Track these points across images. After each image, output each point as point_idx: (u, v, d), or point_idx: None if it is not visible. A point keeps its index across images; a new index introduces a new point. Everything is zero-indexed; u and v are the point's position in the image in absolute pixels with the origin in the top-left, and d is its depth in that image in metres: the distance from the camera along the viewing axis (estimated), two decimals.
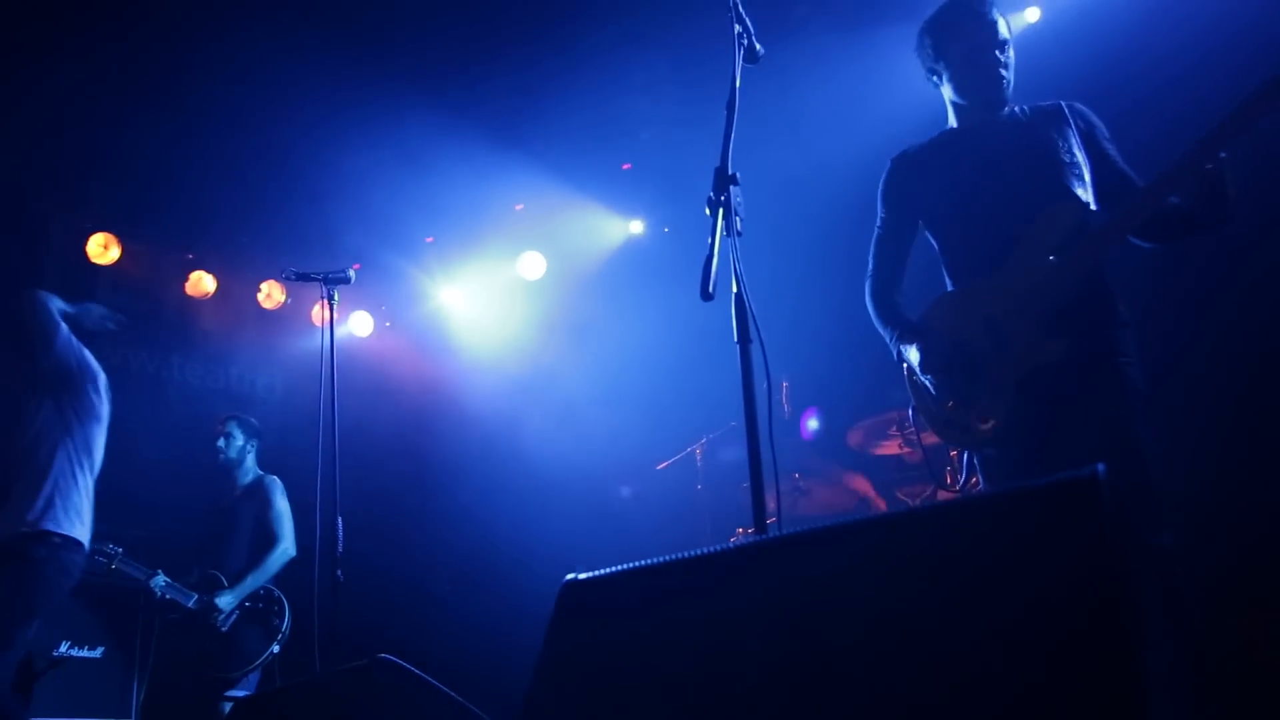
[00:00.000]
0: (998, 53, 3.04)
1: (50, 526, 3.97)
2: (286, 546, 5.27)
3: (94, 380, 4.27)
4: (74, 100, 5.76)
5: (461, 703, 2.73)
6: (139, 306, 7.04)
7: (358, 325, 7.24)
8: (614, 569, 1.87)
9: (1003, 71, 3.04)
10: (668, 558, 1.85)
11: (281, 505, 5.37)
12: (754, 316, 2.43)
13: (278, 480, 5.46)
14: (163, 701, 5.61)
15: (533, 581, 5.62)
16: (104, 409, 4.31)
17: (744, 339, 2.43)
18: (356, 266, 4.60)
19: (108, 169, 6.42)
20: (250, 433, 5.57)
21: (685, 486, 5.68)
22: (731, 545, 1.83)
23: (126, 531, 5.48)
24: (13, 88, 5.59)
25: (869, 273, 3.24)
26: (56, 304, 4.21)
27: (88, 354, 4.28)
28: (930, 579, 1.54)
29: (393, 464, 6.35)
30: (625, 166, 6.70)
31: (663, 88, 5.92)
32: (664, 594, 1.79)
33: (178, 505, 5.81)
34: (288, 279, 4.43)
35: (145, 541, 5.55)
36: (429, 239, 7.11)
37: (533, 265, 7.04)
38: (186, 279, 7.02)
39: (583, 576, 1.89)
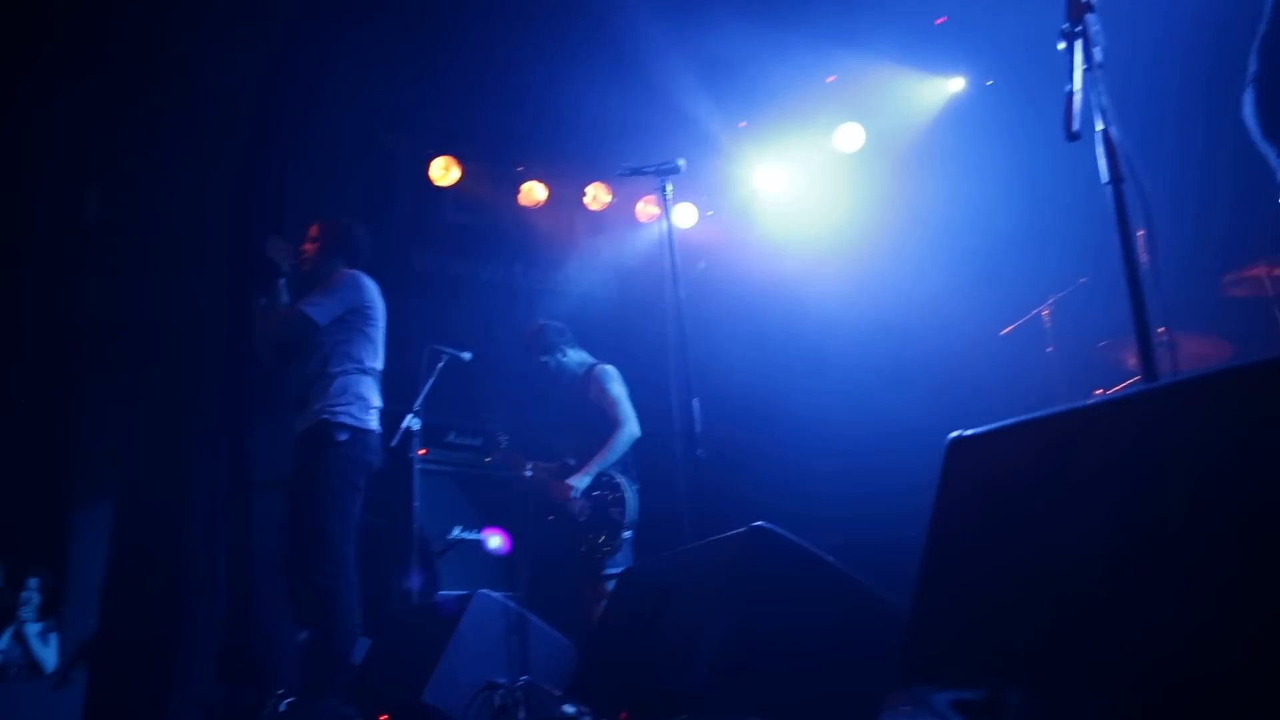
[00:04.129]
0: None
1: (345, 412, 4.50)
2: (630, 429, 5.50)
3: (356, 291, 4.70)
4: (404, 32, 6.20)
5: (838, 565, 2.81)
6: (481, 221, 7.56)
7: (681, 217, 7.40)
8: (1001, 423, 1.83)
9: None
10: (1057, 409, 1.79)
11: (616, 390, 5.58)
12: (1126, 154, 2.26)
13: (609, 369, 5.66)
14: (545, 577, 6.18)
15: (881, 451, 5.65)
16: (374, 306, 4.73)
17: (1116, 178, 2.27)
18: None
19: (440, 93, 6.84)
20: (553, 341, 5.79)
21: (1034, 350, 5.44)
22: (1127, 392, 1.74)
23: (499, 428, 6.04)
24: (354, 34, 6.09)
25: (1251, 77, 2.69)
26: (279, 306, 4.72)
27: (338, 295, 4.66)
28: None
29: (736, 347, 6.47)
30: (939, 21, 6.34)
31: None
32: (1058, 445, 1.73)
33: (532, 402, 6.23)
34: (621, 175, 4.60)
35: (513, 437, 6.08)
36: (742, 123, 7.09)
37: (851, 137, 6.87)
38: (519, 190, 7.43)
39: (969, 433, 1.87)
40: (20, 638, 6.34)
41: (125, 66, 5.92)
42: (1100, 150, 2.28)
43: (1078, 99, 2.24)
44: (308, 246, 4.90)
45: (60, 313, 6.41)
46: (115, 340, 6.31)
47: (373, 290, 4.78)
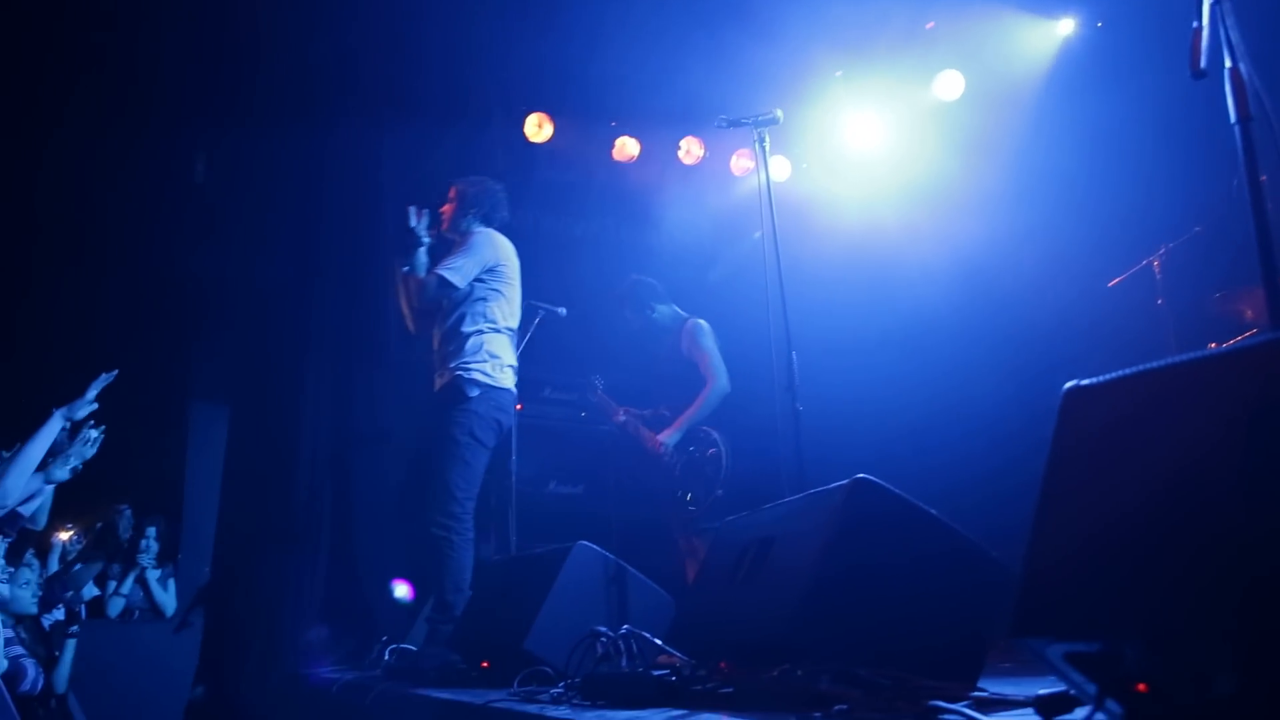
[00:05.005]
0: None
1: (478, 369, 4.62)
2: (720, 384, 5.47)
3: (492, 252, 4.79)
4: None
5: (941, 518, 2.78)
6: (573, 177, 7.55)
7: (777, 170, 7.29)
8: (1120, 372, 1.77)
9: None
10: (1180, 357, 1.73)
11: (707, 344, 5.57)
12: (1258, 90, 2.15)
13: (701, 323, 5.66)
14: (638, 530, 6.21)
15: (984, 404, 5.54)
16: (508, 264, 4.85)
17: (1244, 118, 2.16)
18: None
19: (533, 49, 6.83)
20: (642, 298, 5.78)
21: (1143, 302, 5.26)
22: (1254, 340, 1.67)
23: (595, 373, 6.08)
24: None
25: None
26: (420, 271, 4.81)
27: (474, 256, 4.75)
28: None
29: (839, 296, 6.37)
30: None
31: None
32: (1181, 396, 1.68)
33: (626, 354, 6.24)
34: (719, 127, 4.56)
35: (608, 382, 6.12)
36: (838, 73, 6.95)
37: (950, 85, 6.67)
38: (612, 146, 7.40)
39: (1086, 383, 1.81)
40: (142, 582, 6.64)
41: (227, 33, 6.04)
42: (1228, 88, 2.17)
43: (1205, 35, 2.14)
44: (445, 208, 4.99)
45: (175, 273, 6.63)
46: (226, 299, 6.51)
47: (507, 248, 4.86)
